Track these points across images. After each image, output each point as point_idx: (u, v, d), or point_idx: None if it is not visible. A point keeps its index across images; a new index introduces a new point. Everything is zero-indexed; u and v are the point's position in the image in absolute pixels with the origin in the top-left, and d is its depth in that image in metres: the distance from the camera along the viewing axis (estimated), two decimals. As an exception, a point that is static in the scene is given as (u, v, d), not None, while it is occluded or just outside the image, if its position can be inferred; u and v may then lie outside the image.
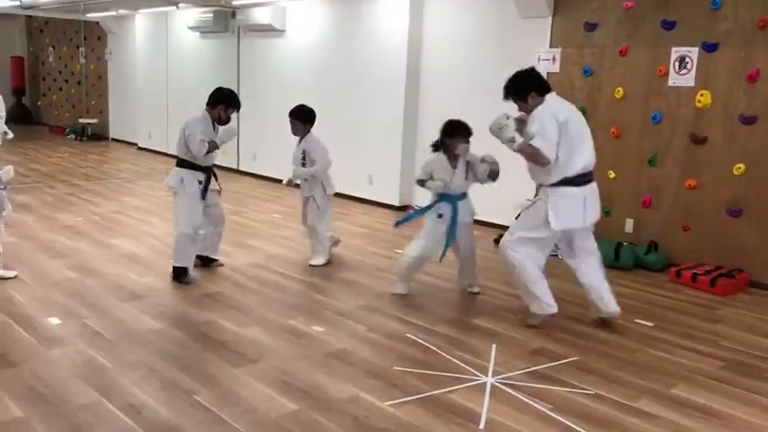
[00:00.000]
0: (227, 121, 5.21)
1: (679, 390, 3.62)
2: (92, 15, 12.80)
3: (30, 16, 15.63)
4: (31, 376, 3.45)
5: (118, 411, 3.13)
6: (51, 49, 16.04)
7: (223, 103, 5.14)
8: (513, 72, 4.38)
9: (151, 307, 4.60)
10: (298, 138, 5.69)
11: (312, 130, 5.67)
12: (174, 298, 4.81)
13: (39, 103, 16.90)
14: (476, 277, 5.19)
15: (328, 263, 5.76)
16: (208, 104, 5.17)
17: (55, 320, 4.25)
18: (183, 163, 5.11)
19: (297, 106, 5.72)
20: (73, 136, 14.51)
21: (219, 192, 5.43)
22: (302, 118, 5.62)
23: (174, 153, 5.24)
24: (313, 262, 5.72)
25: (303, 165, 5.60)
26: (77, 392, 3.30)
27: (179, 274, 5.10)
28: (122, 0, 11.37)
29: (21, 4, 11.69)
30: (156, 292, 4.92)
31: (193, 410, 3.18)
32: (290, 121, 5.65)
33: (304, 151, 5.61)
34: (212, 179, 5.26)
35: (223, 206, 5.61)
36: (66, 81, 15.64)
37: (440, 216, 4.84)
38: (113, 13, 12.41)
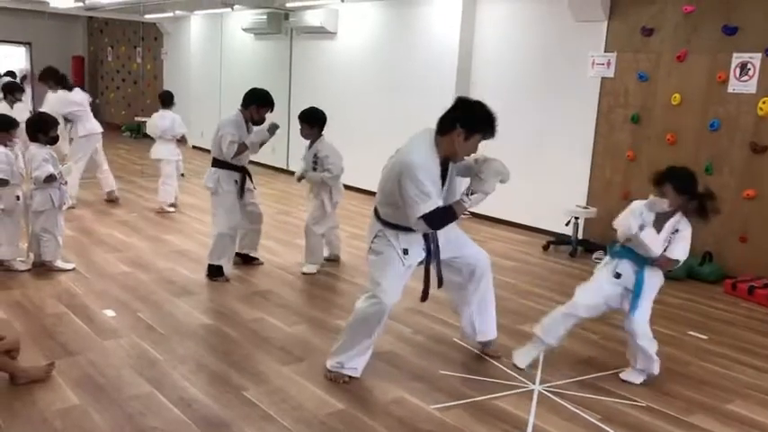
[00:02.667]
0: (260, 121, 5.20)
1: (735, 406, 3.51)
2: (150, 16, 13.15)
3: (91, 17, 16.15)
4: (87, 365, 3.56)
5: (169, 403, 3.21)
6: (110, 48, 16.54)
7: (255, 103, 5.14)
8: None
9: (201, 303, 4.69)
10: (309, 140, 5.52)
11: (324, 133, 5.49)
12: (224, 294, 4.90)
13: (97, 100, 17.39)
14: None
15: (318, 272, 5.50)
16: (242, 105, 5.21)
17: (110, 312, 4.38)
18: (218, 163, 5.16)
19: (307, 109, 5.51)
20: (128, 133, 14.93)
21: (253, 190, 5.45)
22: (312, 122, 5.42)
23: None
24: (305, 269, 5.49)
25: (314, 169, 5.47)
26: (131, 383, 3.40)
27: (214, 273, 5.17)
28: (179, 2, 11.66)
29: (84, 5, 12.11)
30: (207, 288, 5.02)
31: (242, 406, 3.23)
32: (301, 125, 5.46)
33: (316, 155, 5.46)
34: (247, 178, 5.30)
35: (261, 204, 5.63)
36: (124, 80, 16.11)
37: (617, 276, 3.67)
38: (170, 14, 12.71)
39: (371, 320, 3.51)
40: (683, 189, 3.53)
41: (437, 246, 3.56)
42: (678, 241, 3.58)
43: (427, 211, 3.24)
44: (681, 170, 3.62)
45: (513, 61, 7.62)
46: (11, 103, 8.16)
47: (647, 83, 6.39)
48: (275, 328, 4.27)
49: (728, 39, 5.79)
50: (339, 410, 3.24)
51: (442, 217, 3.31)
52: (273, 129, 5.20)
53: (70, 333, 4.01)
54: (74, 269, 5.19)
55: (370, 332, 3.55)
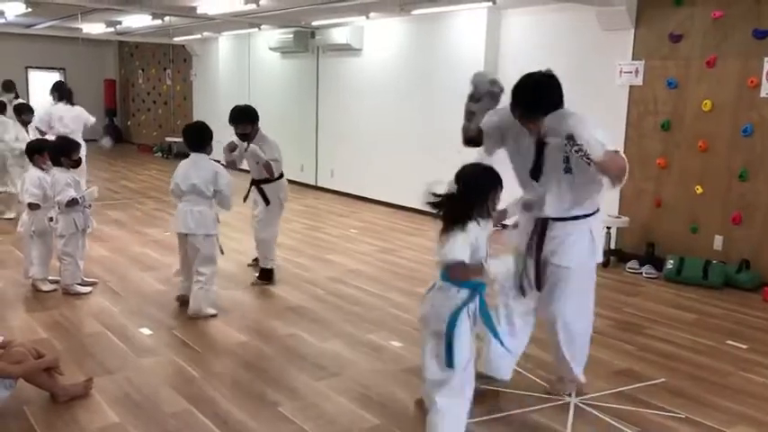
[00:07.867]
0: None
1: (778, 417, 3.43)
2: (178, 39, 13.41)
3: (122, 42, 16.52)
4: (125, 383, 3.62)
5: (205, 419, 3.24)
6: (141, 71, 16.89)
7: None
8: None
9: (235, 319, 4.74)
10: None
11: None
12: (258, 311, 4.94)
13: (129, 122, 17.80)
14: None
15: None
16: None
17: (146, 331, 4.45)
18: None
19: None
20: (160, 154, 15.20)
21: None
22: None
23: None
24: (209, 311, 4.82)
25: None
26: (168, 400, 3.44)
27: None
28: (207, 24, 11.86)
29: (115, 30, 12.41)
30: (240, 305, 5.07)
31: (277, 422, 3.25)
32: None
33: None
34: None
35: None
36: (154, 102, 16.42)
37: None
38: (198, 36, 12.94)
39: None
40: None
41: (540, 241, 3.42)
42: None
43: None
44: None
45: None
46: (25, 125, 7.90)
47: (677, 90, 6.32)
48: (309, 344, 4.29)
49: (759, 43, 5.71)
50: (374, 425, 3.24)
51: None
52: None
53: (108, 351, 4.08)
54: (91, 291, 5.18)
55: None
